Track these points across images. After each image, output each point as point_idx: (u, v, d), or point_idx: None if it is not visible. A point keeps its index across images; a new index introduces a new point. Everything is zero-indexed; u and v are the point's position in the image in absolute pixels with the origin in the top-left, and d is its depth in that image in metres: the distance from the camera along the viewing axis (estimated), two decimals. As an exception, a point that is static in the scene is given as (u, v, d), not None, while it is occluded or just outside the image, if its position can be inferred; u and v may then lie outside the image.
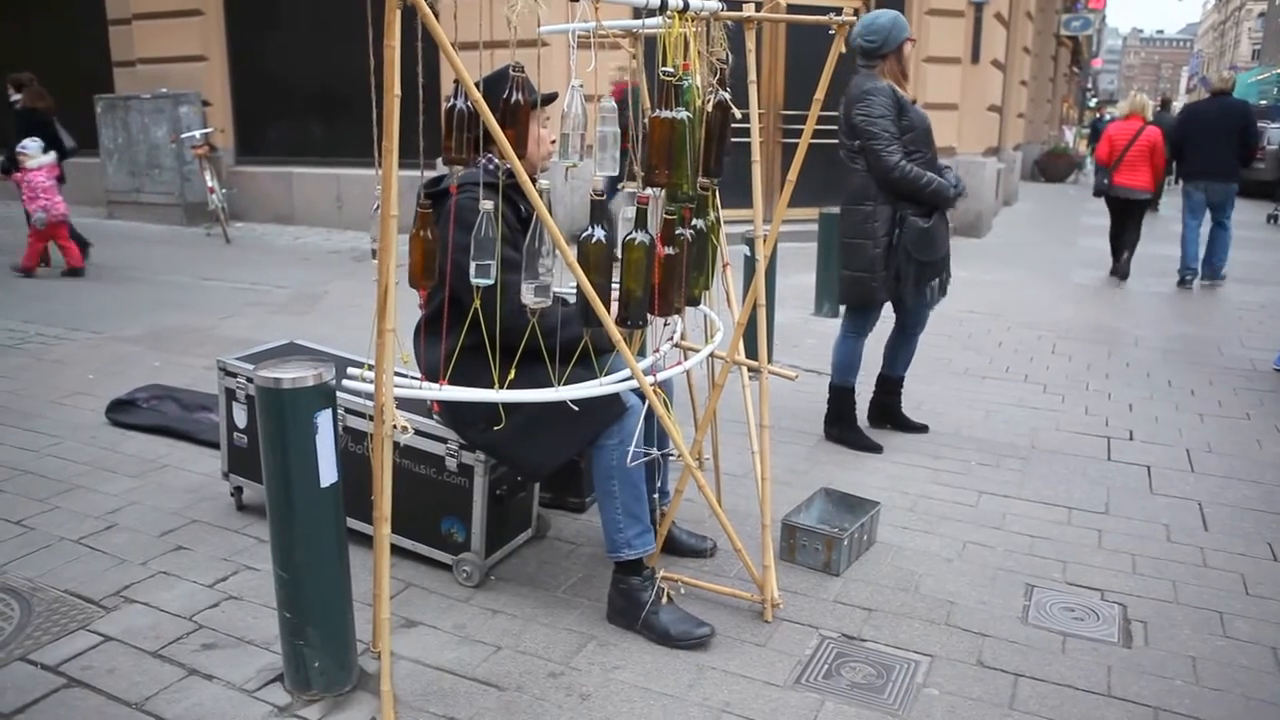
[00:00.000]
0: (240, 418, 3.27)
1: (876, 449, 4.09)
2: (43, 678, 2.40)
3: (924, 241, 3.83)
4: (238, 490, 3.37)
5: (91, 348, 5.62)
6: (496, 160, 2.49)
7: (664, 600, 2.65)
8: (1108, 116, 13.59)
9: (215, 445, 3.57)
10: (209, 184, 10.16)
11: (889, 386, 4.37)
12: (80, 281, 7.71)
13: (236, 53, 11.42)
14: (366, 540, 2.58)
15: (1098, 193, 8.89)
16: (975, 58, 10.65)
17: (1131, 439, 4.32)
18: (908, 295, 3.94)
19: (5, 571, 2.93)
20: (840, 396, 4.21)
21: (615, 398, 2.55)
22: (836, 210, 6.65)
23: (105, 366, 5.19)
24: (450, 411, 2.73)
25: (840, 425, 4.21)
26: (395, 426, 2.10)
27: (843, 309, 4.24)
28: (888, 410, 4.38)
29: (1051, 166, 20.96)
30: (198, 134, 10.57)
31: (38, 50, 12.80)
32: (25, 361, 5.28)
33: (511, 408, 2.52)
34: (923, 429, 4.34)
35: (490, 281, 2.20)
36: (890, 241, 3.87)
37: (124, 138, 11.14)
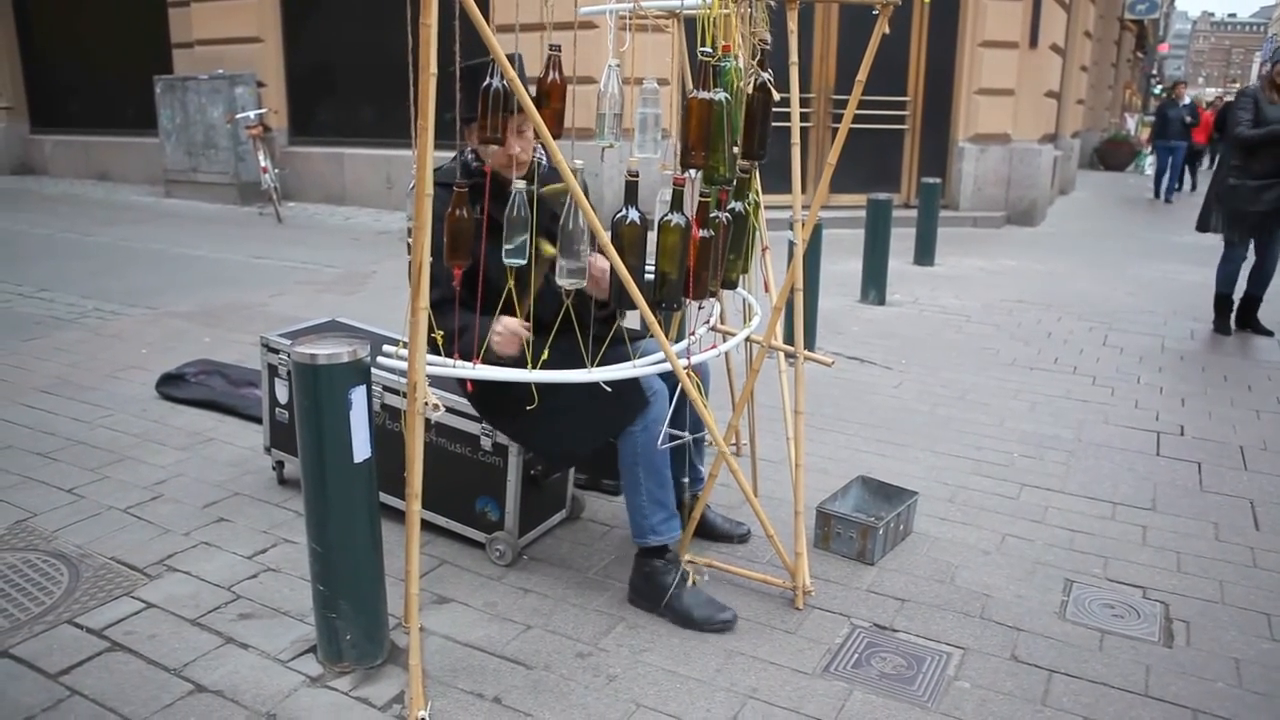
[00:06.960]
0: (282, 393, 3.32)
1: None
2: (88, 641, 2.47)
3: (1229, 196, 5.72)
4: (279, 465, 3.43)
5: (146, 323, 5.76)
6: (469, 154, 2.49)
7: (688, 584, 2.65)
8: (1187, 99, 16.09)
9: (259, 420, 3.63)
10: (262, 164, 10.34)
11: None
12: (140, 258, 7.90)
13: (291, 34, 11.57)
14: (403, 517, 2.60)
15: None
16: (1034, 42, 10.38)
17: (1183, 434, 4.21)
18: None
19: (56, 537, 3.03)
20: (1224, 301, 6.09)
21: (639, 388, 2.53)
22: (884, 197, 6.68)
23: (158, 341, 5.32)
24: (481, 398, 2.73)
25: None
26: (427, 404, 2.11)
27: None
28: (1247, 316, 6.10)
29: (1111, 155, 20.42)
30: (252, 114, 10.76)
31: (99, 31, 13.12)
32: (83, 335, 5.43)
33: (541, 395, 2.52)
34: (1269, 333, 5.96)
35: (522, 261, 2.21)
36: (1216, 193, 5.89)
37: (181, 118, 11.36)
